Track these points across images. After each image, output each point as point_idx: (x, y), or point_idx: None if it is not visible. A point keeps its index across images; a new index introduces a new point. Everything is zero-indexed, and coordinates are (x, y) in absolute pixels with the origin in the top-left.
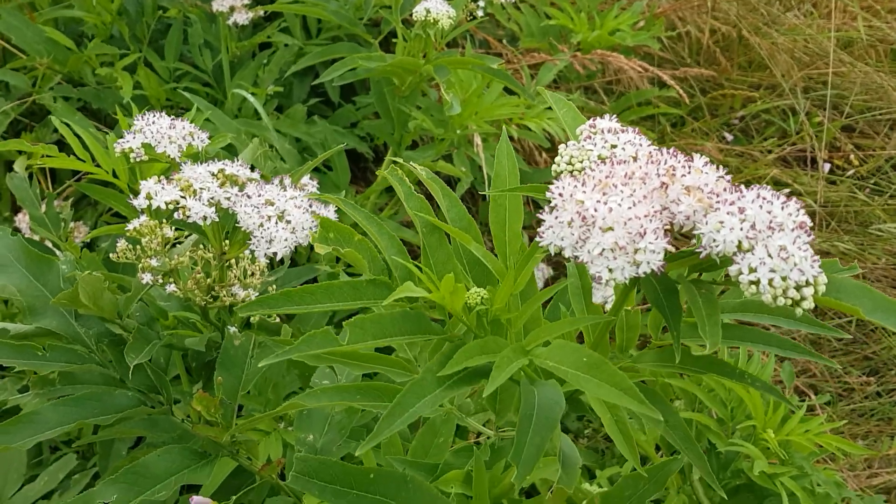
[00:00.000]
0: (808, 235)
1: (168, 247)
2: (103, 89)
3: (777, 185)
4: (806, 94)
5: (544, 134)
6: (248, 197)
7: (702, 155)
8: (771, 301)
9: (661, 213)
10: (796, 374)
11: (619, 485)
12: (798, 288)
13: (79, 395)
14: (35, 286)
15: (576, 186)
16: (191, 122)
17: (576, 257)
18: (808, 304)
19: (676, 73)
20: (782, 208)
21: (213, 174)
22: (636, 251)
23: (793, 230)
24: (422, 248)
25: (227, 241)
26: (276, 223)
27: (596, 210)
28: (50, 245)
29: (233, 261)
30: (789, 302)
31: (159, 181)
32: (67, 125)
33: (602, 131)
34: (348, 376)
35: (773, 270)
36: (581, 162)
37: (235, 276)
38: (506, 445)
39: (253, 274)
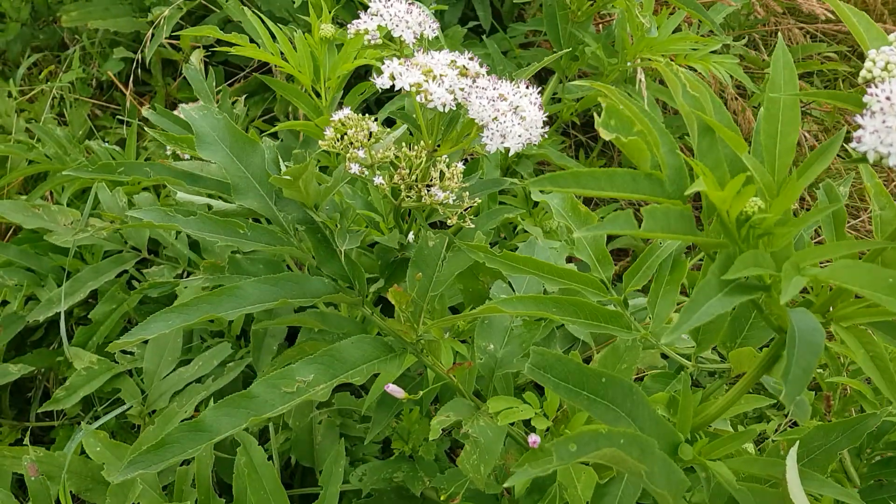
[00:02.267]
0: None
1: (373, 141)
2: None
3: None
4: None
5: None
6: (483, 90)
7: None
8: None
9: None
10: None
11: (810, 434)
12: None
13: (278, 276)
14: (238, 167)
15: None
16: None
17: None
18: None
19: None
20: None
21: (453, 62)
22: None
23: None
24: (695, 149)
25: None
26: (511, 118)
27: None
28: None
29: (432, 163)
30: None
31: (403, 63)
32: (262, 17)
33: None
34: (526, 290)
35: None
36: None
37: (435, 177)
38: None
39: (451, 177)
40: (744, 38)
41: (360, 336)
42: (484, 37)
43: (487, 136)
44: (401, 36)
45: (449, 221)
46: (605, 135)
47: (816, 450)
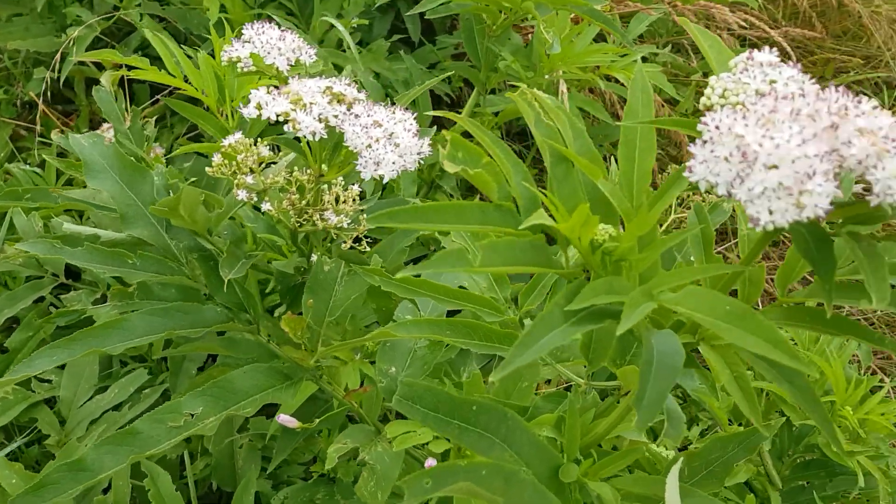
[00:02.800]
0: None
1: (262, 166)
2: (189, 10)
3: None
4: None
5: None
6: (357, 116)
7: (870, 98)
8: None
9: (830, 155)
10: (874, 353)
11: (707, 446)
12: None
13: (167, 306)
14: (127, 194)
15: (735, 119)
16: None
17: (730, 194)
18: None
19: (773, 33)
20: None
21: (325, 90)
22: (801, 193)
23: None
24: (548, 178)
25: (324, 165)
26: (385, 145)
27: (760, 145)
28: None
29: (325, 186)
30: None
31: (270, 92)
32: (163, 39)
33: (760, 64)
34: (432, 312)
35: None
36: (737, 95)
37: (328, 202)
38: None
39: (346, 201)
40: (668, 45)
41: (253, 365)
42: (402, 52)
43: (361, 164)
44: (273, 63)
45: (343, 246)
46: (449, 168)
47: (714, 462)
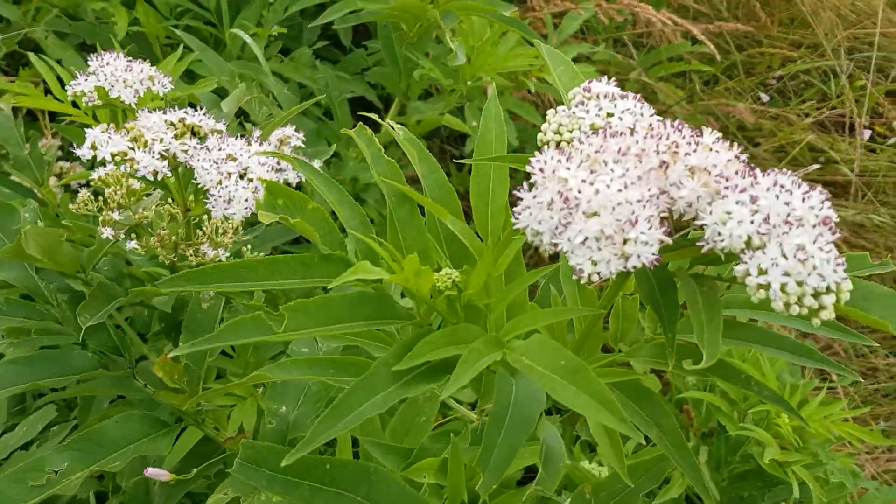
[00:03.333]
0: (833, 233)
1: (135, 199)
2: (100, 24)
3: (812, 151)
4: (850, 56)
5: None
6: (208, 150)
7: (733, 115)
8: (783, 309)
9: (658, 198)
10: (822, 349)
11: (613, 475)
12: (816, 295)
13: (32, 354)
14: None
15: (559, 161)
16: (176, 64)
17: (555, 245)
18: (828, 314)
19: (710, 27)
20: (803, 199)
21: (171, 123)
22: (625, 242)
23: (815, 226)
24: (388, 220)
25: (192, 198)
26: (237, 181)
27: (580, 191)
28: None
29: (204, 217)
30: (805, 311)
31: (106, 130)
32: (49, 62)
33: (598, 96)
34: (328, 345)
35: (786, 274)
36: (571, 131)
37: (206, 234)
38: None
39: (225, 232)
40: (609, 41)
41: (126, 413)
42: (318, 62)
43: (211, 203)
44: (118, 96)
45: None
46: (265, 218)
47: (621, 491)
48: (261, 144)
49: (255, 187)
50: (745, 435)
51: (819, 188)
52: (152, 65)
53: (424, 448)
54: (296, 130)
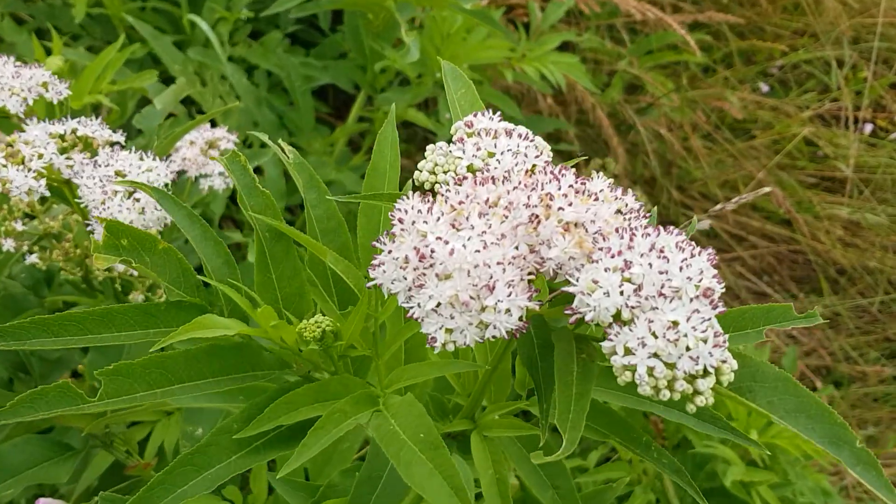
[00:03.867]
0: (714, 307)
1: (44, 209)
2: (60, 7)
3: (809, 144)
4: (854, 45)
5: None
6: (96, 166)
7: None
8: (651, 393)
9: (525, 258)
10: (807, 354)
11: None
12: (691, 379)
13: None
14: None
15: (420, 211)
16: (118, 53)
17: (410, 308)
18: (704, 399)
19: (700, 16)
20: (682, 267)
21: (60, 135)
22: (483, 309)
23: (693, 300)
24: (256, 260)
25: None
26: (122, 201)
27: (434, 250)
28: None
29: None
30: (677, 396)
31: None
32: None
33: (479, 133)
34: None
35: (655, 355)
36: (446, 172)
37: None
38: None
39: None
40: (601, 28)
41: (25, 437)
42: (293, 46)
43: (91, 225)
44: (3, 105)
45: (130, 297)
46: (102, 263)
47: None
48: (156, 159)
49: (143, 207)
50: (709, 453)
51: (707, 252)
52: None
53: (333, 485)
54: (229, 132)
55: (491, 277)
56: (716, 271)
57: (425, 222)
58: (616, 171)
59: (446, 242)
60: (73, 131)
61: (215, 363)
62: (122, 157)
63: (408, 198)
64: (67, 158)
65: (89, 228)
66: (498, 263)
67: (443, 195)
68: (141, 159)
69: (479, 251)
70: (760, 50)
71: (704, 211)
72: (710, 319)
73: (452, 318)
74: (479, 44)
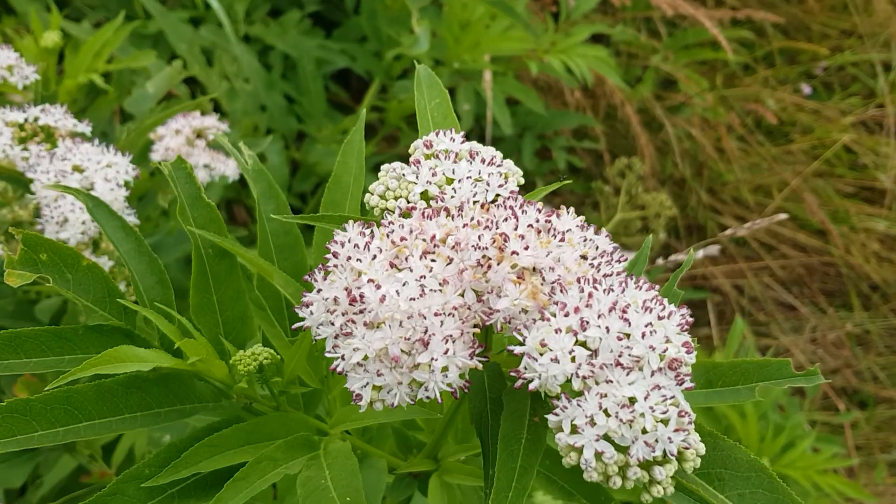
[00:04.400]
0: (681, 383)
1: (14, 196)
2: None
3: (849, 152)
4: None
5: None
6: (54, 159)
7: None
8: (599, 479)
9: (471, 308)
10: (832, 372)
11: None
12: (647, 465)
13: None
14: None
15: (357, 246)
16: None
17: (334, 360)
18: (663, 489)
19: (739, 13)
20: (645, 333)
21: (18, 125)
22: (416, 366)
23: (655, 373)
24: (194, 281)
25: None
26: (76, 200)
27: (363, 294)
28: None
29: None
30: (630, 484)
31: None
32: None
33: (439, 155)
34: None
35: (605, 437)
36: (397, 199)
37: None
38: None
39: None
40: (636, 21)
41: None
42: (294, 30)
43: (45, 219)
44: None
45: None
46: (15, 281)
47: None
48: (117, 153)
49: None
50: None
51: (680, 313)
52: None
53: None
54: (221, 119)
55: (426, 330)
56: (687, 338)
57: (359, 260)
58: (643, 171)
59: (378, 286)
60: (36, 120)
61: (134, 397)
62: (81, 151)
63: (344, 230)
64: (24, 150)
65: (38, 228)
66: (436, 314)
67: (383, 227)
68: (103, 153)
69: (414, 299)
70: (804, 50)
71: (735, 216)
72: (672, 397)
73: (381, 374)
74: (502, 34)
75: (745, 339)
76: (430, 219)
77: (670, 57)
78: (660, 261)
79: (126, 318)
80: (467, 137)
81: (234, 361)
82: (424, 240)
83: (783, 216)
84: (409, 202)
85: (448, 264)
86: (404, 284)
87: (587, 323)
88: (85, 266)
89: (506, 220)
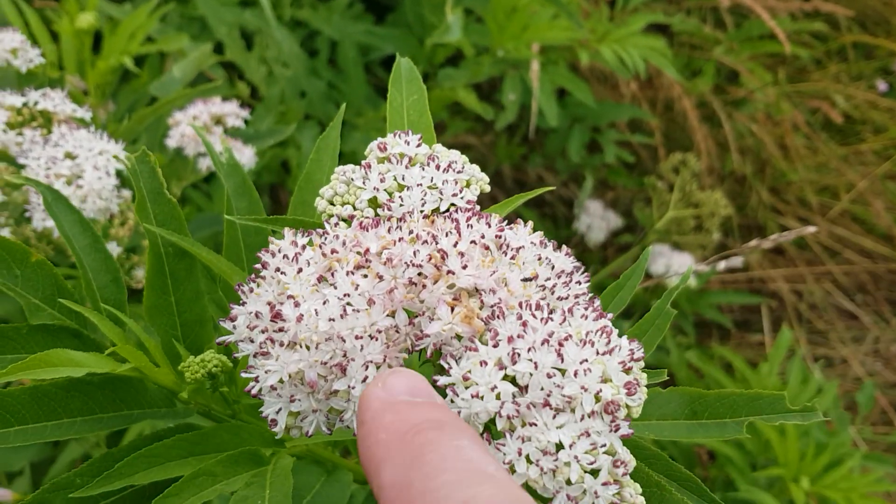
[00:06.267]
0: (617, 429)
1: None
2: None
3: None
4: None
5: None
6: (47, 145)
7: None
8: None
9: (400, 330)
10: (891, 386)
11: None
12: None
13: None
14: None
15: (286, 257)
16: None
17: (248, 380)
18: None
19: (806, 5)
20: (579, 371)
21: (15, 109)
22: (334, 394)
23: (588, 416)
24: (149, 280)
25: None
26: (64, 187)
27: (281, 311)
28: None
29: None
30: None
31: None
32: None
33: (392, 158)
34: None
35: (525, 487)
36: (343, 206)
37: None
38: None
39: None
40: (703, 10)
41: None
42: (338, 15)
43: (31, 210)
44: None
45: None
46: None
47: None
48: (111, 141)
49: (85, 195)
50: (750, 500)
51: (630, 347)
52: None
53: None
54: (241, 106)
55: (345, 355)
56: (629, 378)
57: (283, 273)
58: (699, 168)
59: (297, 304)
60: (36, 104)
61: (76, 401)
62: (76, 137)
63: (284, 234)
64: (19, 134)
65: (27, 214)
66: (357, 337)
67: (317, 238)
68: (97, 140)
69: (334, 319)
70: (882, 45)
71: (797, 217)
72: (604, 445)
73: (296, 399)
74: (550, 22)
75: (799, 349)
76: (369, 230)
77: (735, 48)
78: (702, 266)
79: (76, 317)
80: (510, 130)
81: (182, 368)
82: (359, 253)
83: (812, 229)
84: (355, 209)
85: (379, 281)
86: (324, 303)
87: (515, 354)
88: (34, 262)
89: (447, 234)
